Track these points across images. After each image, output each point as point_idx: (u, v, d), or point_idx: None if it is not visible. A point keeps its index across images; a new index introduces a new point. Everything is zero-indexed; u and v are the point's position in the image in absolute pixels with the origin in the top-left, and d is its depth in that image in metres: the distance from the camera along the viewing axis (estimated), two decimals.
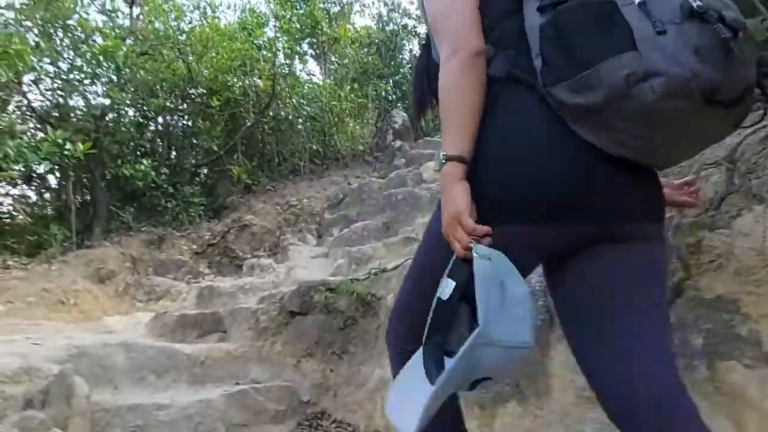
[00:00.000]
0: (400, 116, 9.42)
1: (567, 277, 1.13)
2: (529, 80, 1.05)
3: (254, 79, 7.92)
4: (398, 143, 8.78)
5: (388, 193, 6.40)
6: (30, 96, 6.18)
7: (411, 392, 1.01)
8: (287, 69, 8.72)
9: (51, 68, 6.25)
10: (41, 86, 6.27)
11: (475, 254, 0.99)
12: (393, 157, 8.56)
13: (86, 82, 6.67)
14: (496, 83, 1.09)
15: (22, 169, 5.24)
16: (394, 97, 12.62)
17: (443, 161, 1.09)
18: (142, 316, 4.87)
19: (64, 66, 6.18)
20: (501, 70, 1.09)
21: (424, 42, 1.28)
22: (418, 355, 1.03)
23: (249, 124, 7.67)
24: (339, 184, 7.90)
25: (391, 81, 12.58)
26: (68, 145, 5.32)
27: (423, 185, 6.60)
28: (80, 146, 5.35)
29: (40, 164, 4.97)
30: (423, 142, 9.05)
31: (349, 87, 9.90)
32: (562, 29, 0.98)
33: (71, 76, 6.42)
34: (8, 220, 5.03)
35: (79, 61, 6.39)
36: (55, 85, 6.23)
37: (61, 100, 6.30)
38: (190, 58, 6.80)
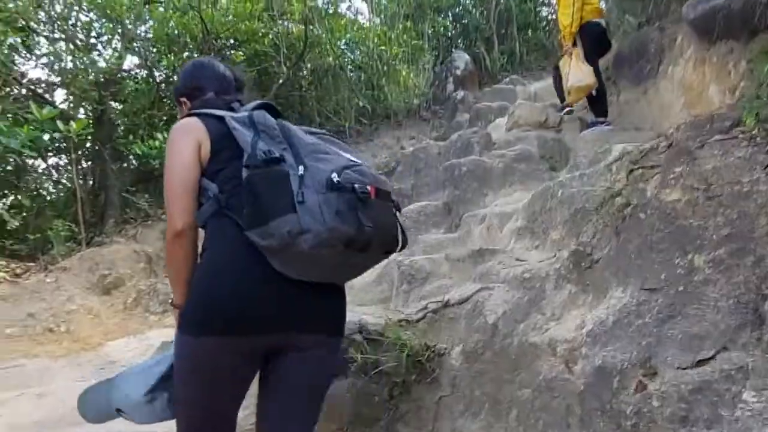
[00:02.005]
0: (461, 59, 7.90)
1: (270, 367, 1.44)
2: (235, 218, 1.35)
3: (286, 24, 6.64)
4: (460, 93, 7.33)
5: (449, 164, 5.11)
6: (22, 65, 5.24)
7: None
8: (327, 8, 7.36)
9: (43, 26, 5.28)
10: (36, 51, 5.32)
11: None
12: (454, 111, 7.16)
13: (89, 38, 5.66)
14: (212, 217, 1.40)
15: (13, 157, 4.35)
16: (453, 32, 10.97)
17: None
18: (154, 336, 3.97)
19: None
20: (211, 209, 1.40)
21: None
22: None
23: (282, 80, 6.48)
24: (391, 149, 6.66)
25: (450, 15, 10.89)
26: (60, 124, 4.38)
27: (493, 151, 5.25)
28: (73, 125, 4.39)
29: (20, 152, 4.07)
30: (490, 92, 7.54)
31: (401, 27, 8.44)
32: (254, 186, 1.30)
33: (69, 33, 5.41)
34: (8, 219, 4.34)
35: (73, 17, 5.36)
36: (51, 49, 5.25)
37: (60, 63, 5.34)
38: (203, 5, 5.58)
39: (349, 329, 2.72)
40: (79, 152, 5.30)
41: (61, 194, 5.33)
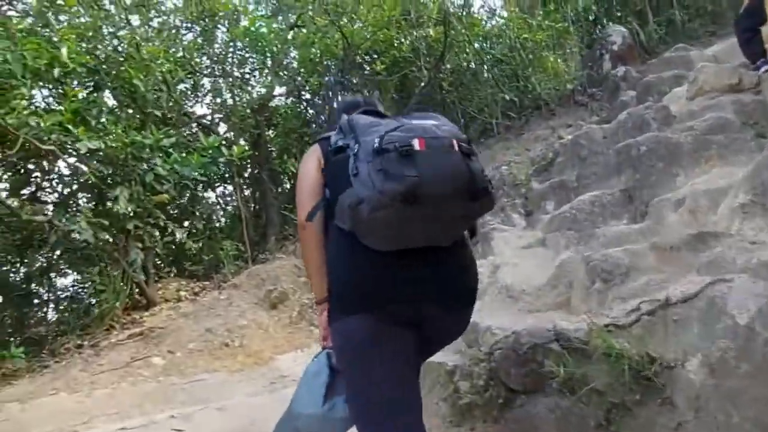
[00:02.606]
0: (618, 33, 7.05)
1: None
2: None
3: (423, 29, 6.46)
4: (621, 70, 6.49)
5: (623, 145, 4.43)
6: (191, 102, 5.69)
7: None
8: (462, 8, 7.05)
9: (206, 63, 5.68)
10: (201, 89, 5.76)
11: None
12: (616, 90, 6.35)
13: (243, 73, 5.99)
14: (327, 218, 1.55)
15: (188, 182, 4.64)
16: (599, 11, 9.96)
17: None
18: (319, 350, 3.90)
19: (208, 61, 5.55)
20: (318, 209, 1.56)
21: None
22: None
23: (424, 83, 6.28)
24: (546, 140, 6.08)
25: None
26: (224, 150, 4.61)
27: (676, 125, 4.46)
28: (234, 149, 4.58)
29: (193, 178, 4.33)
30: (657, 63, 6.58)
31: (541, 12, 7.82)
32: (329, 176, 1.54)
33: (227, 69, 5.77)
34: (188, 243, 4.73)
35: (230, 52, 5.70)
36: (212, 87, 5.65)
37: (221, 98, 5.72)
38: (343, 20, 5.60)
39: (544, 337, 2.32)
40: (241, 179, 5.59)
41: (228, 219, 5.71)
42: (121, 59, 4.62)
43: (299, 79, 6.34)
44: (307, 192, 1.56)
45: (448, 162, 1.32)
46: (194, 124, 5.29)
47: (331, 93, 6.60)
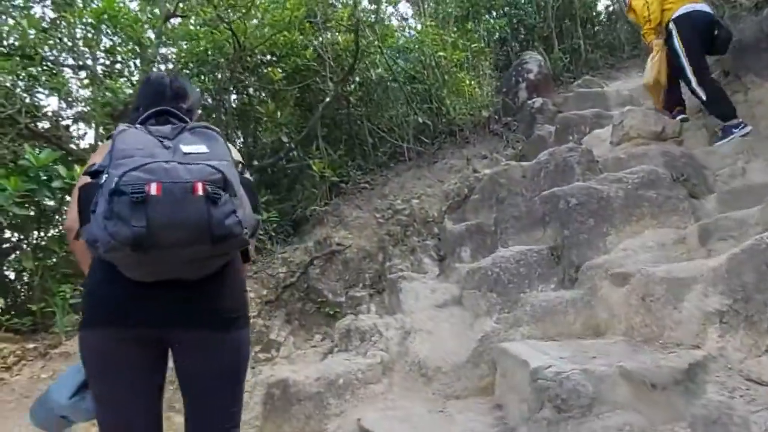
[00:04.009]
0: (534, 61, 6.74)
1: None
2: None
3: (329, 33, 5.64)
4: (538, 101, 6.16)
5: (549, 194, 3.96)
6: None
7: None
8: (374, 14, 6.33)
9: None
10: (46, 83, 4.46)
11: None
12: (532, 123, 6.00)
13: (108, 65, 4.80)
14: None
15: None
16: (508, 33, 9.76)
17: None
18: None
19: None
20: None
21: None
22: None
23: (329, 97, 5.46)
24: (459, 172, 5.54)
25: (504, 13, 9.68)
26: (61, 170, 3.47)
27: (603, 176, 4.07)
28: (77, 169, 3.49)
29: (9, 212, 3.17)
30: (574, 97, 6.32)
31: (456, 29, 7.34)
32: (79, 200, 1.49)
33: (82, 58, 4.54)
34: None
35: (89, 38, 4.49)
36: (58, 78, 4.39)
37: (71, 98, 4.49)
38: (234, 14, 4.61)
39: None
40: None
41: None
42: None
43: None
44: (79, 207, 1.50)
45: (184, 210, 1.29)
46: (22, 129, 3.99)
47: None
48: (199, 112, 2.07)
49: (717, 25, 4.36)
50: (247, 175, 1.60)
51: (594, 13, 10.98)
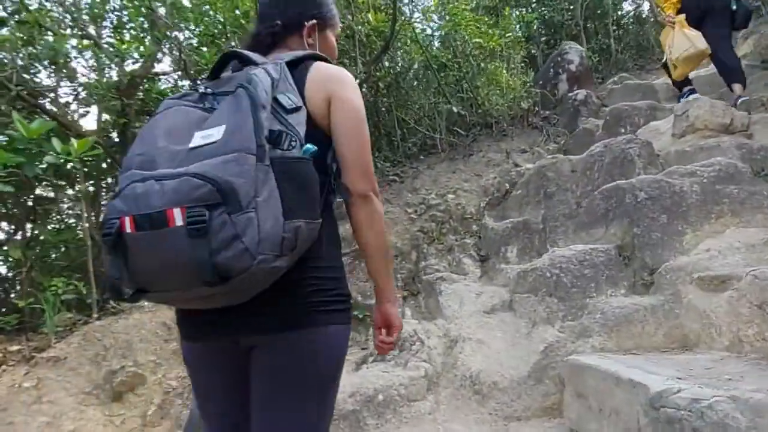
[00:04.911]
0: (575, 52, 6.30)
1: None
2: None
3: (361, 14, 5.23)
4: (580, 94, 5.71)
5: (612, 187, 3.52)
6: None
7: None
8: None
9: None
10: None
11: None
12: (575, 115, 5.55)
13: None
14: None
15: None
16: (537, 30, 9.33)
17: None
18: None
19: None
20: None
21: None
22: None
23: (359, 80, 5.05)
24: (498, 166, 5.11)
25: (531, 9, 9.25)
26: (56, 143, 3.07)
27: (674, 167, 3.62)
28: (74, 144, 3.07)
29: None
30: (621, 88, 5.88)
31: (489, 17, 6.91)
32: None
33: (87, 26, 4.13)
34: None
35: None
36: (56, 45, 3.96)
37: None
38: None
39: None
40: (92, 186, 3.97)
41: (70, 243, 3.89)
42: None
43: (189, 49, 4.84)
44: None
45: (157, 251, 0.92)
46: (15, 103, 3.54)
47: None
48: (333, 13, 1.38)
49: (735, 1, 4.41)
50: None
51: (620, 13, 10.60)
